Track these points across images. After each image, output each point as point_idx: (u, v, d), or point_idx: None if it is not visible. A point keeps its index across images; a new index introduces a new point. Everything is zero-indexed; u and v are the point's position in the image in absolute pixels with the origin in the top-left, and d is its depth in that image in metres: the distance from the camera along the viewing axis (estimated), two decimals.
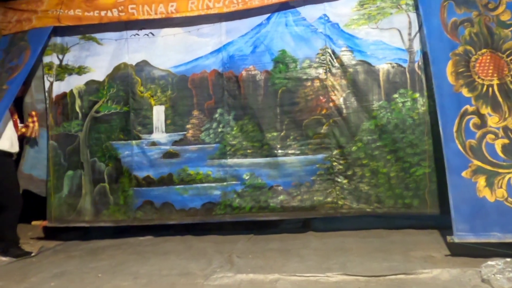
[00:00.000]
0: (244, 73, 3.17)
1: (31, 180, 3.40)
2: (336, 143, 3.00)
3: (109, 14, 3.23)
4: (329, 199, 2.98)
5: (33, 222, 3.43)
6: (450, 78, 2.51)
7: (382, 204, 2.91)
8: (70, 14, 3.29)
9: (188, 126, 3.26)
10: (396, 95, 2.93)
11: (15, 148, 3.18)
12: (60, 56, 3.44)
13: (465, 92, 2.46)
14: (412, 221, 3.07)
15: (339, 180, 2.98)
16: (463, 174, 2.37)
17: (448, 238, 2.34)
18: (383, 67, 2.96)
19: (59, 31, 3.37)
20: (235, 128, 3.18)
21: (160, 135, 3.28)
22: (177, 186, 3.20)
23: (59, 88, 3.43)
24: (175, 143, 3.26)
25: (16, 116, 3.27)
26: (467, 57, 2.49)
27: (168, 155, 3.26)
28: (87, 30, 3.37)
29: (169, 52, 3.29)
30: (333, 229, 3.19)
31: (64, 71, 3.42)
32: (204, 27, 3.25)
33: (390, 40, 2.96)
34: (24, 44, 3.32)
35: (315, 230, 3.24)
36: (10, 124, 3.17)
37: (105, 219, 3.28)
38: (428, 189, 2.80)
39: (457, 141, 2.42)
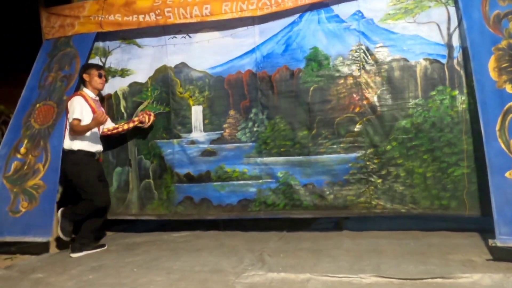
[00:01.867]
0: (277, 73, 3.23)
1: None
2: (369, 142, 2.98)
3: (147, 18, 3.37)
4: (362, 199, 2.97)
5: None
6: (493, 74, 2.43)
7: (417, 205, 2.86)
8: (110, 19, 3.46)
9: (225, 125, 3.37)
10: (433, 92, 2.86)
11: (95, 148, 3.21)
12: (103, 59, 3.63)
13: (509, 88, 2.38)
14: (450, 224, 3.00)
15: (372, 179, 2.96)
16: (507, 174, 2.29)
17: (490, 241, 2.26)
18: (420, 62, 2.90)
19: (100, 35, 3.56)
20: (268, 127, 3.25)
21: (198, 134, 3.42)
22: (215, 183, 3.34)
23: (104, 89, 3.57)
24: (212, 141, 3.39)
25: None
26: (511, 51, 2.39)
27: (206, 153, 3.40)
28: (127, 35, 3.54)
29: (206, 54, 3.41)
30: (366, 229, 3.17)
31: (107, 73, 3.60)
32: (238, 30, 3.33)
33: (428, 35, 2.89)
34: (72, 50, 3.53)
35: (347, 230, 3.23)
36: None
37: (149, 212, 3.49)
38: (467, 190, 2.72)
39: (500, 140, 2.34)
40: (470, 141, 2.73)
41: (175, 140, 3.44)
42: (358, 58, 3.03)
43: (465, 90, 2.77)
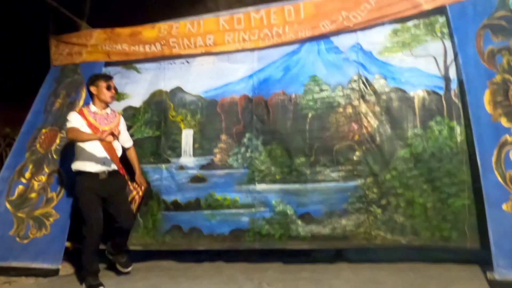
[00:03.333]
0: (273, 97, 3.30)
1: None
2: (369, 171, 3.03)
3: (153, 48, 3.53)
4: (361, 229, 2.98)
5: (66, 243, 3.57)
6: (488, 108, 2.52)
7: (418, 236, 2.87)
8: (117, 48, 3.63)
9: (216, 150, 3.37)
10: (432, 123, 2.94)
11: (99, 168, 2.92)
12: None
13: (504, 121, 2.46)
14: (451, 255, 2.99)
15: (372, 209, 2.99)
16: (504, 207, 2.34)
17: (489, 274, 2.29)
18: (418, 94, 3.00)
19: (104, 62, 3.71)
20: (263, 153, 3.26)
21: (188, 159, 3.41)
22: (205, 211, 3.28)
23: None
24: (202, 167, 3.37)
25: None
26: (505, 86, 2.50)
27: (196, 179, 3.37)
28: (129, 61, 3.68)
29: (201, 78, 3.50)
30: (367, 260, 3.17)
31: None
32: (237, 55, 3.45)
33: (425, 67, 3.00)
34: (79, 78, 3.70)
35: (347, 260, 3.23)
36: (92, 145, 2.92)
37: (134, 242, 3.37)
38: (468, 222, 2.73)
39: (496, 173, 2.40)
40: (470, 172, 2.76)
41: (163, 165, 3.43)
42: (357, 88, 3.13)
43: (463, 122, 2.83)
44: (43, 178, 3.43)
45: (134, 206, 3.17)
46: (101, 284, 2.86)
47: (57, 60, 3.87)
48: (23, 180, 3.44)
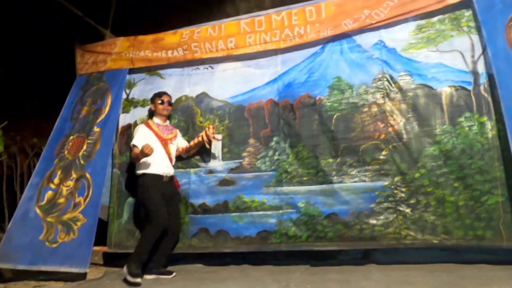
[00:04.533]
0: (299, 100, 3.33)
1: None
2: (396, 170, 3.00)
3: (175, 53, 3.62)
4: (390, 229, 2.95)
5: (95, 248, 3.62)
6: None
7: (450, 236, 2.81)
8: (141, 55, 3.73)
9: (244, 154, 3.43)
10: (461, 119, 2.89)
11: (163, 170, 3.23)
12: (128, 91, 3.87)
13: None
14: (485, 255, 2.91)
15: (401, 208, 2.95)
16: None
17: None
18: (445, 90, 2.96)
19: (128, 69, 3.82)
20: (290, 156, 3.29)
21: (217, 163, 3.48)
22: (233, 214, 3.34)
23: (124, 119, 3.82)
24: (231, 170, 3.43)
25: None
26: None
27: (224, 182, 3.43)
28: (153, 67, 3.78)
29: (227, 83, 3.57)
30: (396, 261, 3.11)
31: (130, 104, 3.83)
32: (261, 60, 3.50)
33: (452, 63, 2.97)
34: (104, 85, 3.82)
35: (376, 262, 3.18)
36: (158, 150, 3.22)
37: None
38: (503, 220, 2.67)
39: None
40: (503, 168, 2.71)
41: (191, 170, 3.52)
42: (382, 86, 3.12)
43: (493, 117, 2.79)
44: (71, 183, 3.52)
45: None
46: (140, 275, 3.00)
47: (82, 69, 3.99)
48: (52, 186, 3.54)
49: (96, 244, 3.56)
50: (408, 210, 2.93)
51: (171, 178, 3.34)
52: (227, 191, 3.39)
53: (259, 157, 3.39)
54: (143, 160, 3.15)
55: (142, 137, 3.21)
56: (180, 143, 3.49)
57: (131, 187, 3.64)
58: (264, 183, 3.31)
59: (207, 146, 3.38)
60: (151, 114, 3.58)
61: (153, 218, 3.07)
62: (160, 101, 3.39)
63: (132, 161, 3.32)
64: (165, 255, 3.28)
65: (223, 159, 3.48)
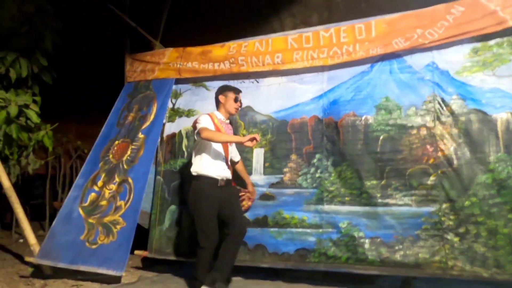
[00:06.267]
0: (344, 118, 3.28)
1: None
2: (445, 196, 2.89)
3: (222, 66, 3.69)
4: (436, 258, 2.83)
5: (136, 252, 3.76)
6: None
7: (502, 270, 2.67)
8: (188, 66, 3.84)
9: (286, 169, 3.42)
10: None
11: (220, 174, 2.96)
12: (174, 101, 3.97)
13: None
14: None
15: (448, 237, 2.83)
16: None
17: None
18: (501, 116, 2.85)
19: (175, 79, 3.93)
20: (333, 174, 3.25)
21: (258, 177, 3.49)
22: (271, 229, 3.32)
23: (170, 129, 3.92)
24: (272, 185, 3.43)
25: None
26: None
27: (265, 197, 3.43)
28: (199, 78, 3.87)
29: (271, 98, 3.59)
30: None
31: (175, 113, 3.93)
32: (306, 76, 3.50)
33: (509, 88, 2.86)
34: (151, 93, 3.95)
35: None
36: (216, 150, 2.99)
37: None
38: None
39: None
40: None
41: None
42: (433, 109, 3.04)
43: None
44: (113, 187, 3.63)
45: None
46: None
47: (131, 77, 4.14)
48: (96, 188, 3.67)
49: (132, 249, 3.64)
50: (456, 239, 2.81)
51: (228, 182, 3.04)
52: (267, 206, 3.39)
53: (301, 174, 3.37)
54: (199, 159, 2.91)
55: (209, 124, 2.91)
56: (234, 152, 3.28)
57: (173, 195, 3.73)
58: (305, 200, 3.28)
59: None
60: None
61: (200, 234, 2.84)
62: (235, 98, 3.08)
63: (204, 136, 2.82)
64: (228, 262, 2.89)
65: (264, 173, 3.48)
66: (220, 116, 3.10)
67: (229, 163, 3.10)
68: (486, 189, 2.79)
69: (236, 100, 3.09)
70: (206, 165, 2.94)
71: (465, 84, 2.99)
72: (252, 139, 2.70)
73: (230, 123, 3.24)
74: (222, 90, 3.12)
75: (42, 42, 3.65)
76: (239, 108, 3.19)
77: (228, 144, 3.08)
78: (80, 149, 5.42)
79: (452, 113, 2.98)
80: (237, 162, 3.34)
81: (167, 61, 3.93)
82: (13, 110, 3.29)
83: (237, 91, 3.15)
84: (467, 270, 2.74)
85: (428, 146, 3.01)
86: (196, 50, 3.84)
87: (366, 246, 3.02)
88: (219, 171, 2.97)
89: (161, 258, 3.64)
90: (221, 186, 2.96)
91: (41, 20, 3.61)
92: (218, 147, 2.98)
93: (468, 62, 3.00)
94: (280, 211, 3.32)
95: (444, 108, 3.01)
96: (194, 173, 2.98)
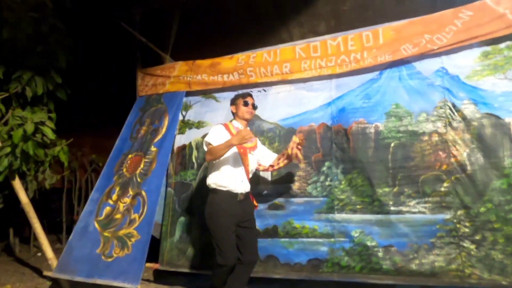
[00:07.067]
0: (353, 126, 3.27)
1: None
2: (460, 203, 2.86)
3: (231, 77, 3.74)
4: (453, 266, 2.79)
5: (147, 264, 3.74)
6: None
7: None
8: (198, 79, 3.90)
9: (295, 178, 3.40)
10: None
11: (238, 187, 2.77)
12: (184, 113, 4.03)
13: None
14: None
15: (465, 245, 2.79)
16: None
17: None
18: None
19: (185, 91, 4.00)
20: (343, 182, 3.23)
21: (266, 186, 3.47)
22: (282, 239, 3.30)
23: (180, 140, 3.96)
24: (280, 194, 3.41)
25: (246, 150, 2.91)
26: None
27: (274, 206, 3.41)
28: (209, 90, 3.93)
29: (279, 106, 3.59)
30: None
31: (185, 125, 3.98)
32: (314, 83, 3.51)
33: None
34: (162, 106, 4.03)
35: None
36: (234, 161, 2.82)
37: (211, 267, 3.42)
38: None
39: None
40: None
41: None
42: (444, 115, 3.01)
43: None
44: (127, 200, 3.69)
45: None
46: None
47: (142, 91, 4.23)
48: (111, 202, 3.73)
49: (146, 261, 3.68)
50: (472, 247, 2.77)
51: (247, 195, 2.85)
52: (277, 216, 3.37)
53: (310, 182, 3.35)
54: (216, 171, 2.76)
55: (218, 136, 2.75)
56: (263, 156, 3.06)
57: (184, 206, 3.75)
58: (315, 209, 3.25)
59: (297, 160, 2.93)
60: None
61: (217, 251, 2.65)
62: (243, 102, 2.91)
63: (208, 159, 2.76)
64: None
65: (273, 182, 3.46)
66: (237, 124, 2.94)
67: (250, 174, 2.90)
68: (501, 194, 2.74)
69: (245, 104, 2.92)
70: (223, 177, 2.76)
71: (477, 89, 2.96)
72: (239, 136, 2.57)
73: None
74: (232, 101, 3.03)
75: (56, 60, 3.75)
76: (253, 111, 2.97)
77: (248, 151, 2.90)
78: (95, 162, 5.53)
79: (464, 118, 2.95)
80: (270, 166, 3.06)
81: (177, 74, 4.00)
82: (30, 128, 3.40)
83: (245, 95, 2.99)
84: (485, 278, 2.69)
85: (440, 152, 2.98)
86: (205, 62, 3.90)
87: (380, 255, 2.99)
88: (238, 183, 2.78)
89: (172, 270, 3.65)
90: (240, 200, 2.78)
91: (55, 39, 3.72)
92: (235, 156, 2.80)
93: (478, 66, 2.98)
94: (290, 221, 3.30)
95: (456, 113, 2.98)
96: (210, 186, 2.80)
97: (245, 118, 2.94)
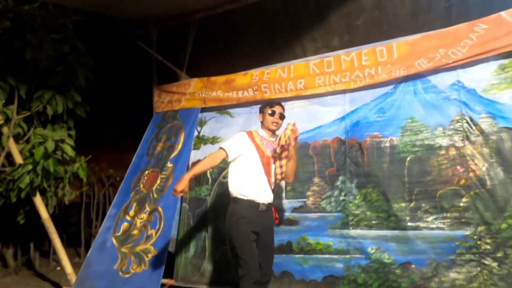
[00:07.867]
0: (368, 140, 3.26)
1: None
2: (480, 219, 2.80)
3: (245, 94, 3.80)
4: (474, 285, 2.73)
5: (162, 280, 3.70)
6: None
7: None
8: (213, 95, 3.97)
9: (309, 193, 3.39)
10: None
11: (259, 197, 2.65)
12: (199, 128, 4.10)
13: None
14: None
15: (486, 262, 2.72)
16: None
17: None
18: None
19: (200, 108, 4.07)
20: (358, 197, 3.20)
21: (280, 201, 3.46)
22: (297, 256, 3.29)
23: (195, 156, 4.00)
24: (294, 210, 3.40)
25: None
26: None
27: (288, 222, 3.40)
28: (223, 106, 3.99)
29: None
30: None
31: (200, 141, 4.04)
32: (328, 98, 3.52)
33: None
34: (178, 123, 4.12)
35: None
36: (257, 168, 2.70)
37: (225, 282, 3.43)
38: None
39: None
40: None
41: None
42: (461, 129, 2.98)
43: None
44: (144, 216, 3.75)
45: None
46: None
47: (159, 108, 4.32)
48: (128, 218, 3.80)
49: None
50: (494, 264, 2.70)
51: (269, 207, 2.73)
52: (291, 231, 3.36)
53: (324, 197, 3.33)
54: (237, 179, 2.68)
55: (237, 144, 2.69)
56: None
57: (199, 221, 3.78)
58: (330, 224, 3.23)
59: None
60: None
61: (239, 262, 2.54)
62: (270, 112, 2.77)
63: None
64: None
65: (287, 197, 3.46)
66: (262, 133, 2.83)
67: (273, 184, 2.77)
68: None
69: (272, 114, 2.77)
70: (245, 186, 2.65)
71: (494, 102, 2.92)
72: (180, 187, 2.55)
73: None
74: (260, 109, 2.90)
75: (76, 79, 3.88)
76: (280, 121, 2.80)
77: (271, 161, 2.75)
78: (113, 177, 5.63)
79: (481, 132, 2.91)
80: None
81: (192, 91, 4.08)
82: (50, 146, 3.51)
83: (273, 104, 2.83)
84: None
85: (458, 167, 2.94)
86: (220, 79, 3.96)
87: (398, 272, 2.94)
88: (260, 193, 2.66)
89: (187, 286, 3.66)
90: (262, 211, 2.65)
91: (75, 59, 3.85)
92: (256, 165, 2.69)
93: (495, 80, 2.94)
94: (305, 237, 3.29)
95: (473, 127, 2.94)
96: (232, 194, 2.70)
97: (270, 129, 2.81)
